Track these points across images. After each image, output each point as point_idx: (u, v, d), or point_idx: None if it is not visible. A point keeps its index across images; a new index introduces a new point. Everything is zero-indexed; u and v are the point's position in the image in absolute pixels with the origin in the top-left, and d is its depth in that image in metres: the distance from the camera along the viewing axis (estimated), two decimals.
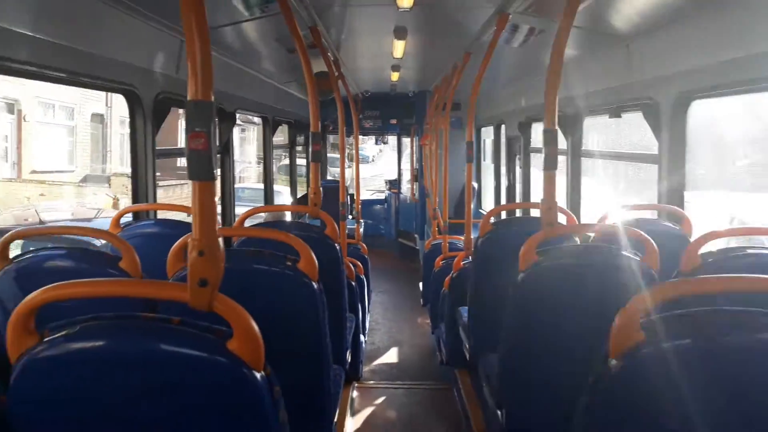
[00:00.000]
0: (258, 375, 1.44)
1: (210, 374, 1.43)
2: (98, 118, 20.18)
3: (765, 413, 1.48)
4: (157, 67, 3.90)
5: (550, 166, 2.61)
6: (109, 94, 19.25)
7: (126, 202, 16.30)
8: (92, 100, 19.45)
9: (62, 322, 1.44)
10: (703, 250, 2.52)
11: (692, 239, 3.25)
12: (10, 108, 16.73)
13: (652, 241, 2.49)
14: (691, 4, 3.12)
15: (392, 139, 15.26)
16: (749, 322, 1.51)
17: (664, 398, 1.51)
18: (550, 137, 2.59)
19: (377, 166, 32.47)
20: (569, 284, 2.47)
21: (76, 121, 19.26)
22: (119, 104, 19.87)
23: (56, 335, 1.42)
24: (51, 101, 18.14)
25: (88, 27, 3.12)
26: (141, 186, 3.81)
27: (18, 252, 2.50)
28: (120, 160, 20.92)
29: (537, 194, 7.41)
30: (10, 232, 2.53)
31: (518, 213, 7.37)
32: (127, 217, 3.75)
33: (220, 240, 1.50)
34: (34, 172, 17.38)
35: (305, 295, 2.32)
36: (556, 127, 2.62)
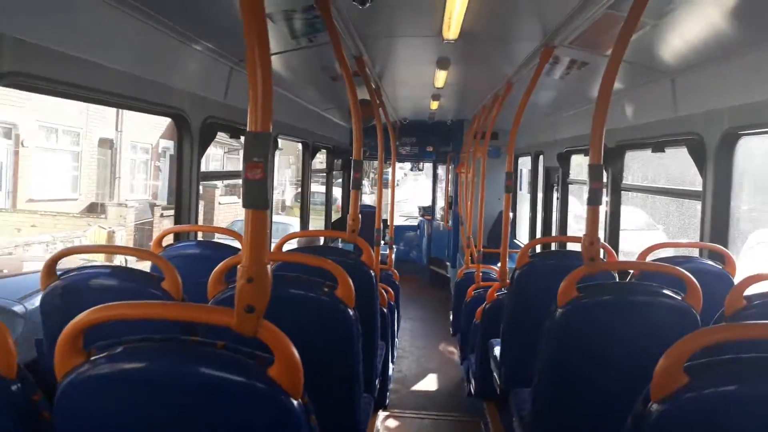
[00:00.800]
0: (296, 403, 1.45)
1: (250, 400, 1.44)
2: (107, 144, 19.68)
3: None
4: (206, 93, 4.02)
5: (594, 201, 2.59)
6: (120, 116, 19.19)
7: (122, 234, 15.99)
8: (99, 124, 18.98)
9: (108, 342, 1.48)
10: (748, 292, 2.46)
11: (736, 279, 3.17)
12: (7, 133, 15.91)
13: (694, 280, 2.44)
14: (737, 41, 3.09)
15: (426, 167, 15.28)
16: None
17: None
18: (595, 172, 2.58)
19: (400, 191, 32.61)
20: (609, 322, 2.43)
21: (81, 146, 18.66)
22: (130, 128, 19.67)
23: (102, 355, 1.46)
24: (54, 125, 17.41)
25: (143, 52, 3.24)
26: (184, 207, 3.89)
27: None
28: (130, 188, 20.66)
29: (573, 227, 7.33)
30: (59, 250, 2.62)
31: (553, 246, 7.28)
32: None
33: (269, 268, 1.52)
34: (31, 200, 16.68)
35: (341, 322, 2.34)
36: (602, 163, 2.60)
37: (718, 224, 3.64)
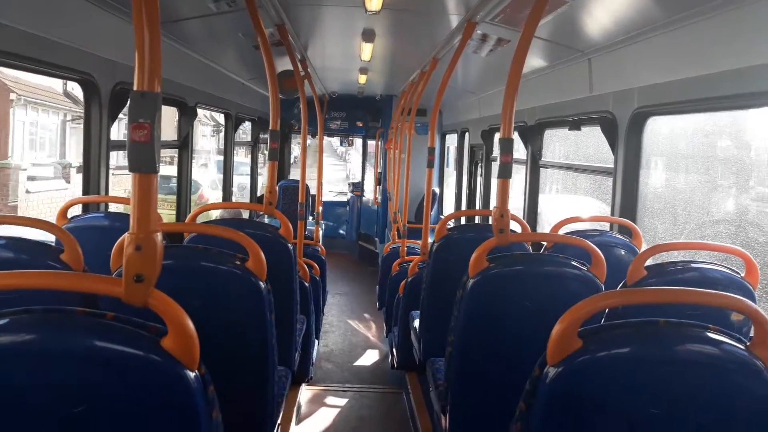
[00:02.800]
0: (191, 374, 1.41)
1: (142, 372, 1.39)
2: None
3: (695, 422, 1.53)
4: (117, 57, 3.80)
5: (504, 174, 2.65)
6: None
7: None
8: None
9: None
10: (651, 262, 2.58)
11: None
12: None
13: (600, 252, 2.54)
14: (650, 23, 3.20)
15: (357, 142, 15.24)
16: (682, 334, 1.55)
17: (598, 406, 1.55)
18: (505, 146, 2.63)
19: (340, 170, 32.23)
20: (517, 291, 2.51)
21: None
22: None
23: None
24: None
25: (46, 12, 3.02)
26: (93, 177, 3.69)
27: None
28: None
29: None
30: None
31: (477, 220, 7.44)
32: None
33: (158, 235, 1.46)
34: None
35: (252, 295, 2.30)
36: (512, 137, 2.65)
37: (627, 200, 3.81)
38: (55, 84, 19.51)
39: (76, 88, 19.69)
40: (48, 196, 16.36)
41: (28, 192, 15.62)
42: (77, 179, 17.23)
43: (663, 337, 1.56)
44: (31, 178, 16.05)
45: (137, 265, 1.42)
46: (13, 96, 17.88)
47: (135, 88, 1.40)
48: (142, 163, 1.42)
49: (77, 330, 1.40)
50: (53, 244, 2.52)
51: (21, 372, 1.36)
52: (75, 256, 2.27)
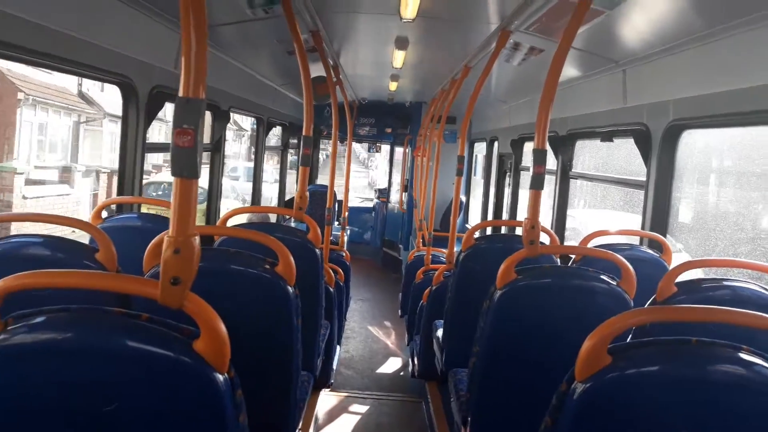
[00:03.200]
0: (221, 377, 1.43)
1: (173, 373, 1.41)
2: None
3: None
4: (155, 61, 3.88)
5: (536, 185, 2.63)
6: None
7: None
8: None
9: (28, 311, 1.42)
10: (681, 278, 2.54)
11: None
12: None
13: (630, 266, 2.50)
14: (688, 35, 3.16)
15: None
16: (713, 354, 1.53)
17: (626, 424, 1.52)
18: (538, 157, 2.61)
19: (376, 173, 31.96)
20: (545, 304, 2.49)
21: None
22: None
23: (19, 324, 1.40)
24: None
25: (87, 15, 3.09)
26: (128, 178, 3.77)
27: None
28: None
29: (525, 213, 7.43)
30: None
31: (504, 230, 7.39)
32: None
33: (196, 239, 1.48)
34: None
35: (280, 299, 2.31)
36: (546, 148, 2.63)
37: (658, 214, 3.75)
38: (69, 84, 19.16)
39: (91, 89, 19.98)
40: (49, 201, 15.42)
41: (24, 197, 14.54)
42: (83, 183, 17.23)
43: (694, 356, 1.53)
44: (33, 182, 15.44)
45: (175, 268, 1.44)
46: (20, 95, 16.71)
47: (180, 93, 1.42)
48: (185, 168, 1.44)
49: (113, 329, 1.43)
50: (88, 243, 2.57)
51: (56, 368, 1.39)
52: (109, 255, 2.31)
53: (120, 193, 3.79)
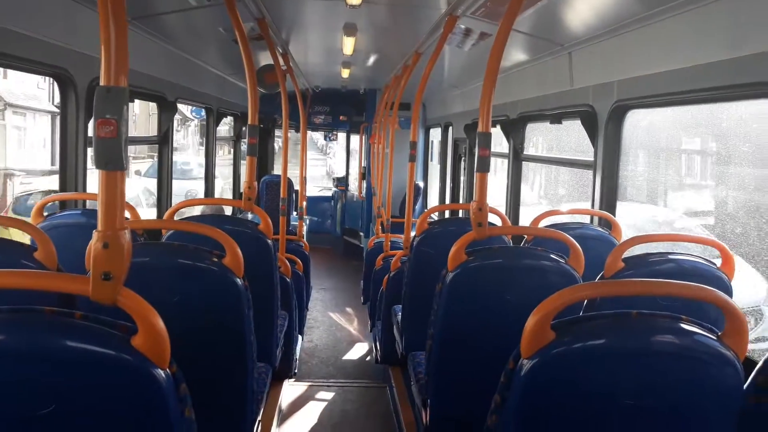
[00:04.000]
0: (162, 372, 1.40)
1: (111, 371, 1.38)
2: None
3: (668, 412, 1.54)
4: (94, 52, 3.75)
5: (482, 168, 2.65)
6: None
7: None
8: None
9: None
10: (628, 254, 2.60)
11: None
12: None
13: (578, 245, 2.56)
14: (629, 17, 3.21)
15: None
16: (654, 325, 1.57)
17: (572, 398, 1.56)
18: (483, 140, 2.63)
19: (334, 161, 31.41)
20: (495, 285, 2.52)
21: None
22: None
23: None
24: None
25: (20, 6, 2.96)
26: (69, 174, 3.65)
27: None
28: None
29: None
30: None
31: (460, 213, 7.45)
32: None
33: (126, 233, 1.44)
34: None
35: (229, 291, 2.29)
36: (490, 131, 2.65)
37: (607, 192, 3.83)
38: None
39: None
40: None
41: None
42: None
43: (635, 328, 1.57)
44: None
45: (105, 263, 1.40)
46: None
47: (101, 82, 1.38)
48: (109, 160, 1.40)
49: (45, 329, 1.38)
50: (29, 243, 2.48)
51: None
52: (49, 254, 2.24)
53: (62, 189, 3.66)
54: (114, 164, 1.40)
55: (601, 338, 1.56)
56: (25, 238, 2.56)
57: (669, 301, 2.33)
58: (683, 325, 1.58)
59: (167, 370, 1.42)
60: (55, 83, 3.60)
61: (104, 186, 1.41)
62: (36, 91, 19.41)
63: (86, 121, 3.70)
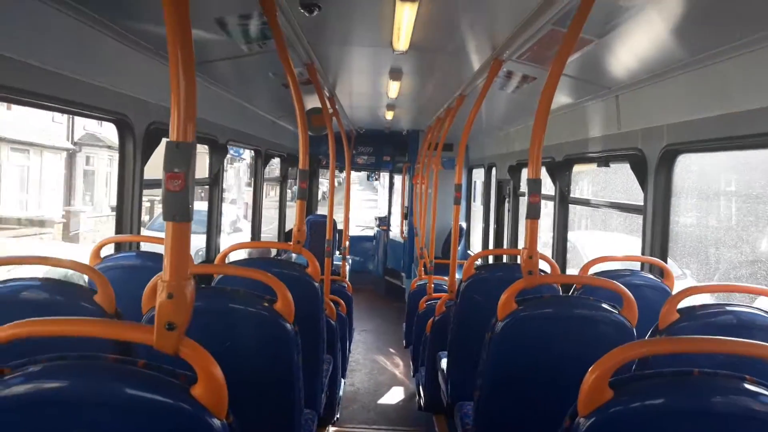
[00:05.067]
0: (219, 423, 1.40)
1: (171, 420, 1.39)
2: None
3: None
4: (150, 97, 3.91)
5: (532, 214, 2.62)
6: None
7: None
8: None
9: (25, 360, 1.40)
10: (683, 304, 2.51)
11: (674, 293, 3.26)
12: None
13: (630, 294, 2.48)
14: (675, 62, 3.18)
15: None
16: (716, 385, 1.50)
17: None
18: (533, 186, 2.61)
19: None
20: (546, 335, 2.46)
21: None
22: None
23: (16, 374, 1.38)
24: None
25: (82, 54, 3.12)
26: (125, 216, 3.76)
27: None
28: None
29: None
30: None
31: (505, 259, 7.36)
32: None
33: (191, 282, 1.47)
34: None
35: (279, 337, 2.29)
36: (540, 177, 2.63)
37: (657, 238, 3.73)
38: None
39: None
40: None
41: None
42: None
43: (696, 387, 1.51)
44: None
45: (169, 313, 1.43)
46: None
47: (170, 138, 1.43)
48: (177, 212, 1.44)
49: (110, 377, 1.41)
50: (86, 285, 2.56)
51: (54, 419, 1.37)
52: (108, 297, 2.30)
53: (118, 231, 3.77)
54: (181, 216, 1.44)
55: (660, 398, 1.50)
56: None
57: (729, 357, 2.23)
58: (747, 386, 1.50)
59: (224, 420, 1.42)
60: (115, 127, 3.75)
61: (171, 236, 1.45)
62: (49, 124, 19.65)
63: (143, 164, 3.83)
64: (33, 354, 1.43)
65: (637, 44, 3.21)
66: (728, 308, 2.50)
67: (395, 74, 5.01)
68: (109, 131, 20.27)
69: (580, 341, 2.36)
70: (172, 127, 1.42)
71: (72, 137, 20.95)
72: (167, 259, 1.44)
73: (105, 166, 22.05)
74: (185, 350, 1.44)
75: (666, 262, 3.61)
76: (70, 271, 2.86)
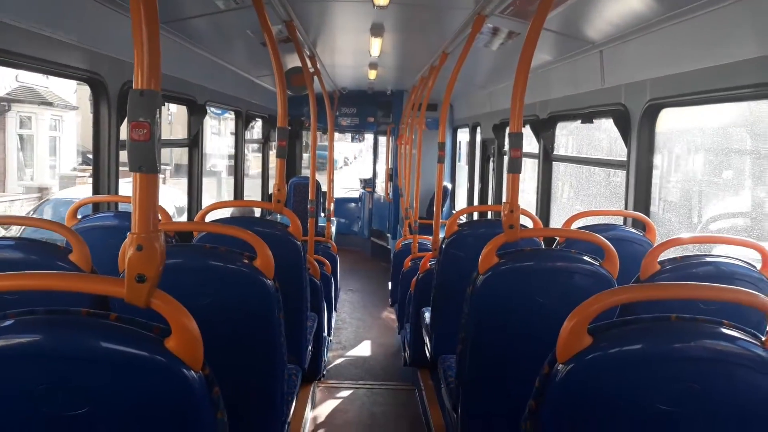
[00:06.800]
0: (195, 374, 1.40)
1: (145, 372, 1.39)
2: None
3: (707, 419, 1.49)
4: (125, 56, 3.81)
5: (513, 169, 2.61)
6: None
7: None
8: None
9: None
10: (664, 256, 2.54)
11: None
12: None
13: (612, 247, 2.50)
14: (660, 14, 3.14)
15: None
16: (694, 330, 1.52)
17: (608, 404, 1.52)
18: (515, 140, 2.59)
19: (353, 171, 30.67)
20: (528, 287, 2.48)
21: None
22: None
23: None
24: None
25: (52, 11, 3.02)
26: (102, 177, 3.71)
27: None
28: None
29: None
30: None
31: (489, 215, 7.39)
32: None
33: (160, 235, 1.45)
34: None
35: (260, 293, 2.29)
36: (522, 131, 2.61)
37: (640, 193, 3.75)
38: None
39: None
40: None
41: None
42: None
43: (674, 333, 1.53)
44: None
45: (139, 266, 1.41)
46: None
47: (134, 86, 1.39)
48: (143, 162, 1.41)
49: (80, 330, 1.40)
50: (63, 245, 2.53)
51: (24, 373, 1.36)
52: (83, 256, 2.27)
53: (95, 192, 3.72)
54: (147, 167, 1.41)
55: (639, 343, 1.52)
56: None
57: (708, 305, 2.26)
58: (724, 330, 1.53)
59: (200, 372, 1.42)
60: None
61: (138, 189, 1.42)
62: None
63: (118, 124, 3.76)
64: (4, 310, 1.41)
65: None
66: (708, 259, 2.54)
67: (377, 30, 4.92)
68: (55, 84, 17.74)
69: (561, 293, 2.38)
70: (136, 74, 1.38)
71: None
72: (135, 211, 1.42)
73: (48, 129, 18.52)
74: (157, 302, 1.43)
75: (648, 216, 3.63)
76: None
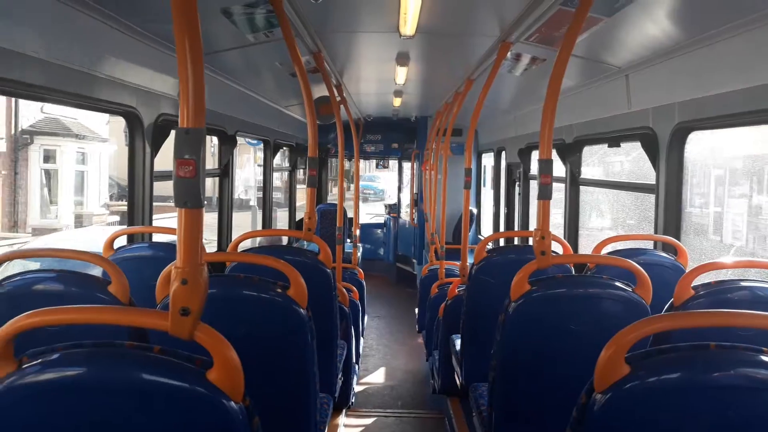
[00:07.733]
0: (236, 406, 1.42)
1: (188, 404, 1.41)
2: None
3: None
4: (159, 89, 3.93)
5: (544, 195, 2.61)
6: None
7: None
8: None
9: (42, 348, 1.43)
10: (698, 281, 2.50)
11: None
12: None
13: (644, 272, 2.47)
14: (686, 37, 3.14)
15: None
16: (733, 358, 1.50)
17: None
18: (544, 166, 2.59)
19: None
20: (560, 315, 2.46)
21: None
22: None
23: (33, 362, 1.40)
24: None
25: (90, 48, 3.14)
26: (137, 208, 3.80)
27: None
28: None
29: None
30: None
31: (516, 241, 7.35)
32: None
33: (204, 268, 1.48)
34: None
35: (294, 322, 2.31)
36: (551, 158, 2.62)
37: (670, 216, 3.71)
38: None
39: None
40: None
41: None
42: None
43: (713, 361, 1.50)
44: None
45: (183, 299, 1.44)
46: None
47: (180, 124, 1.44)
48: (188, 198, 1.45)
49: (126, 363, 1.43)
50: (100, 276, 2.59)
51: (71, 406, 1.39)
52: (122, 287, 2.32)
53: (130, 223, 3.81)
54: (192, 202, 1.45)
55: (677, 372, 1.50)
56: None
57: (745, 331, 2.22)
58: (765, 358, 1.50)
59: (241, 403, 1.43)
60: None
61: (183, 223, 1.46)
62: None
63: (152, 156, 3.86)
64: (50, 344, 1.45)
65: (646, 22, 3.18)
66: (743, 284, 2.49)
67: (402, 59, 4.99)
68: (79, 115, 17.37)
69: (595, 320, 2.36)
70: (182, 113, 1.43)
71: (15, 122, 15.55)
72: (180, 245, 1.46)
73: (73, 162, 17.54)
74: (200, 335, 1.45)
75: (679, 240, 3.59)
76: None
